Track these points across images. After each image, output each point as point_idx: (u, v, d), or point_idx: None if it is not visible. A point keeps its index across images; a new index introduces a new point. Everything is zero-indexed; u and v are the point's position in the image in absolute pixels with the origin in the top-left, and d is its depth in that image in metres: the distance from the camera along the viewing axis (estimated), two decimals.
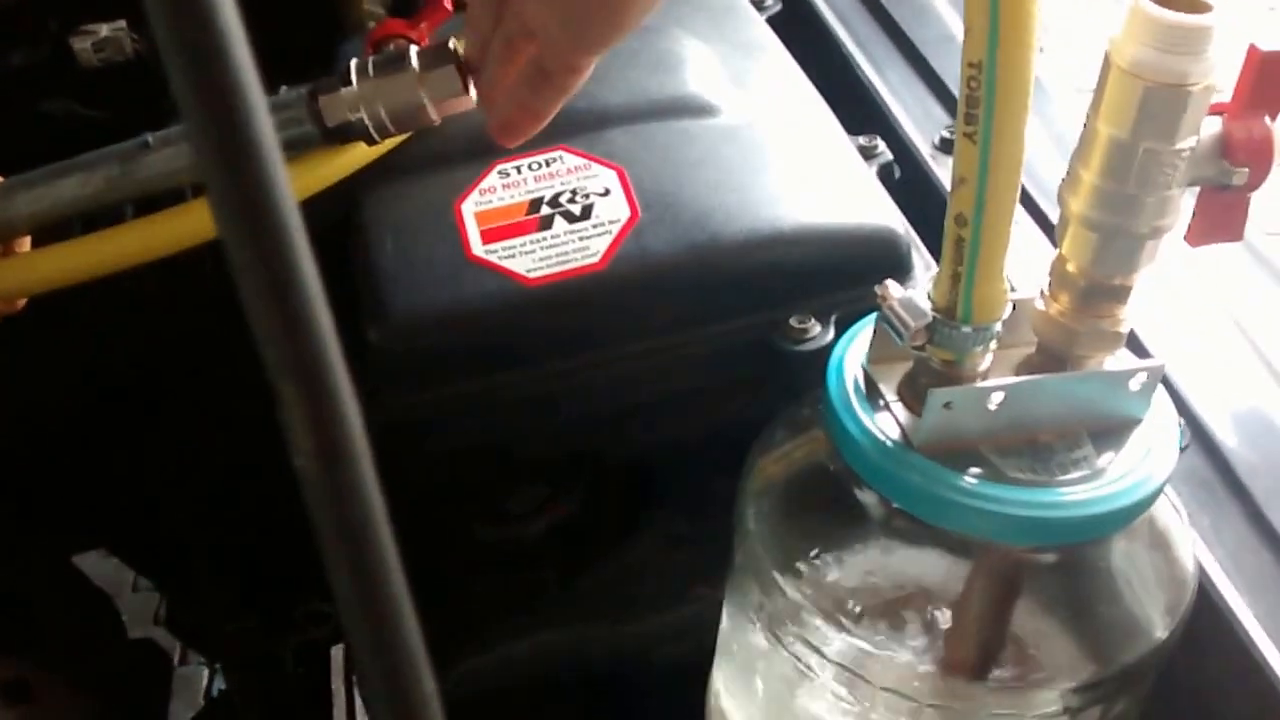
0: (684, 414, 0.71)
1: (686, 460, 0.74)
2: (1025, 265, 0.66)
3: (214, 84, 0.20)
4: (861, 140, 0.75)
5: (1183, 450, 0.61)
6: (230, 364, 0.75)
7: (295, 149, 0.65)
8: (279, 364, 0.23)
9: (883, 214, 0.67)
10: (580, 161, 0.69)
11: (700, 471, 0.73)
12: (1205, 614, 0.55)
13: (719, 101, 0.73)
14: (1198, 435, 0.61)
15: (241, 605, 0.87)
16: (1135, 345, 0.64)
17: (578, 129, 0.71)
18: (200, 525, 0.87)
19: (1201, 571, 0.56)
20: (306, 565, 0.81)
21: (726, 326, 0.67)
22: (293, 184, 0.66)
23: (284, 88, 0.67)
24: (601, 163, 0.69)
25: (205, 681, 1.61)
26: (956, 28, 0.86)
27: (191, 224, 0.66)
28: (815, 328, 0.65)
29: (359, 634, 0.25)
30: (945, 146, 0.78)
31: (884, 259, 0.65)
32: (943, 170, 0.76)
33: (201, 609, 0.91)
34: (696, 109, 0.72)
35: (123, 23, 0.84)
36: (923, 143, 0.80)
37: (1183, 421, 0.61)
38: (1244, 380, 0.65)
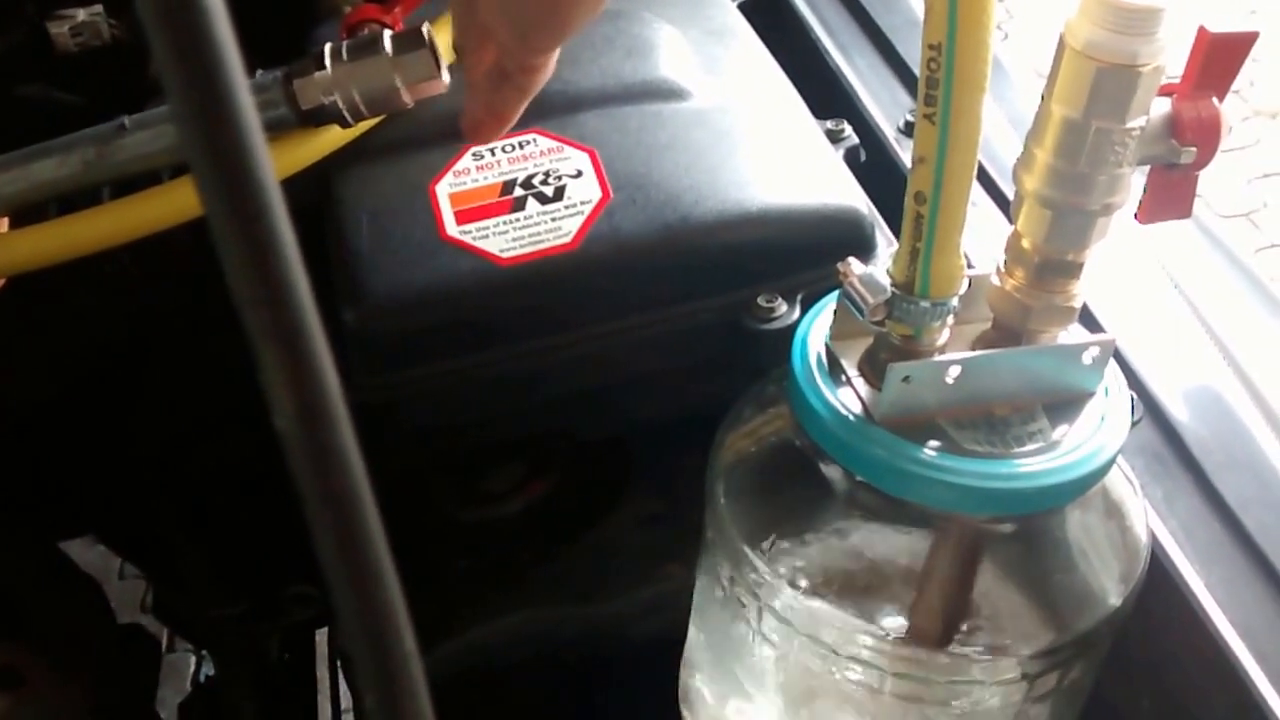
0: (656, 393, 0.72)
1: (660, 439, 0.75)
2: (984, 242, 0.68)
3: (197, 58, 0.21)
4: (829, 124, 0.77)
5: (1136, 424, 0.62)
6: (212, 346, 0.77)
7: (270, 131, 0.66)
8: (260, 328, 0.24)
9: (847, 195, 0.69)
10: (553, 144, 0.70)
11: (674, 450, 0.74)
12: (1157, 583, 0.57)
13: (690, 86, 0.74)
14: (1150, 409, 0.63)
15: (227, 590, 0.88)
16: (1089, 321, 0.66)
17: (551, 112, 0.72)
18: (185, 510, 0.88)
19: (1154, 541, 0.58)
20: (291, 548, 0.82)
21: (695, 305, 0.68)
22: None
23: (259, 71, 0.68)
24: (574, 145, 0.70)
25: (193, 668, 1.62)
26: (922, 14, 0.87)
27: (169, 205, 0.67)
28: (782, 306, 0.66)
29: (342, 594, 0.26)
30: (909, 130, 0.80)
31: (848, 239, 0.67)
32: (907, 154, 0.78)
33: (187, 594, 0.91)
34: (668, 93, 0.74)
35: (99, 7, 0.84)
36: (888, 127, 0.81)
37: (1136, 396, 0.63)
38: (1195, 356, 0.66)
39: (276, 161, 0.66)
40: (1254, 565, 0.57)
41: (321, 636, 1.05)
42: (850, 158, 0.77)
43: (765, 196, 0.68)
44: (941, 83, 0.42)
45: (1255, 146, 2.77)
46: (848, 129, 0.77)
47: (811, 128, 0.74)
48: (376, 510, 0.25)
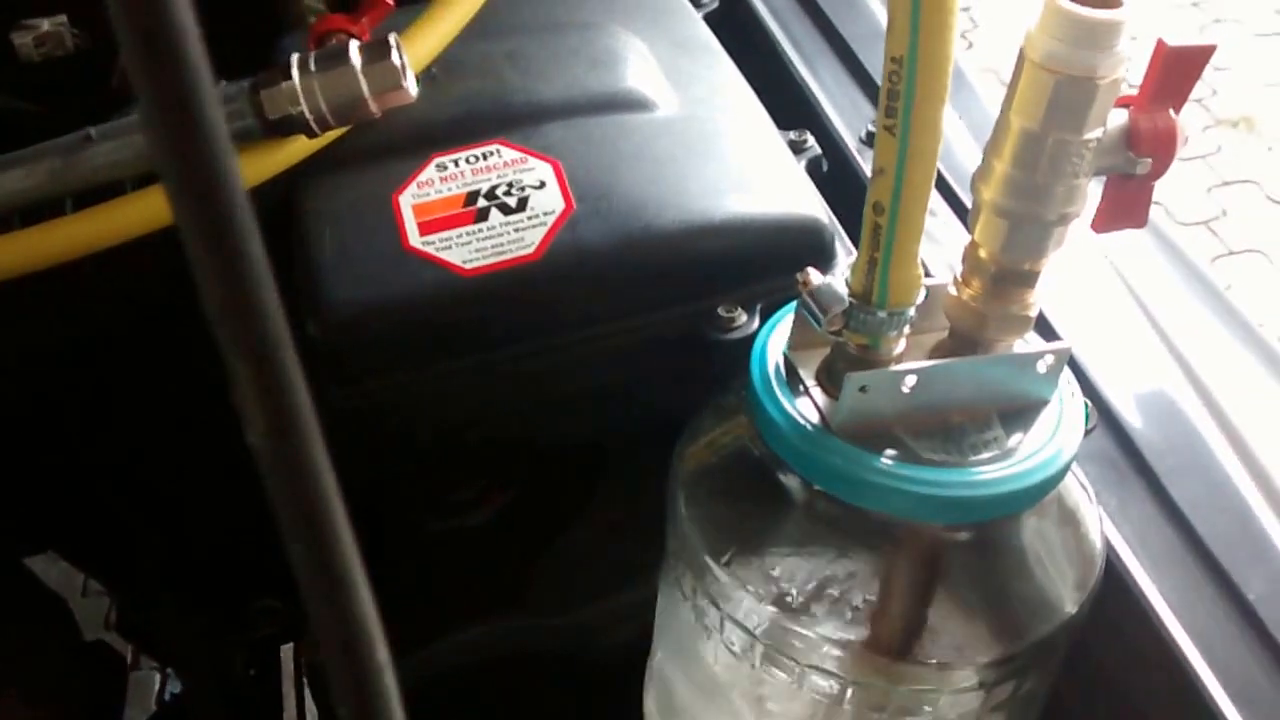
0: (620, 402, 0.73)
1: (625, 448, 0.76)
2: (944, 252, 0.69)
3: (168, 71, 0.22)
4: (792, 135, 0.78)
5: (1091, 432, 0.63)
6: (176, 361, 0.77)
7: (236, 141, 0.66)
8: (231, 342, 0.25)
9: (808, 205, 0.69)
10: (517, 155, 0.71)
11: (639, 459, 0.75)
12: (1113, 590, 0.58)
13: (655, 97, 0.75)
14: (1105, 417, 0.64)
15: (192, 604, 0.88)
16: (1046, 330, 0.67)
17: (516, 123, 0.72)
18: (149, 524, 0.87)
19: (1109, 548, 0.59)
20: (256, 561, 0.82)
21: (658, 316, 0.69)
22: None
23: (224, 82, 0.68)
24: (538, 156, 0.71)
25: (158, 686, 1.61)
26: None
27: (133, 216, 0.67)
28: (742, 317, 0.67)
29: (315, 607, 0.26)
30: (871, 141, 0.81)
31: (809, 249, 0.67)
32: (869, 164, 0.78)
33: (152, 610, 0.91)
34: (633, 104, 0.74)
35: (63, 17, 0.84)
36: (850, 137, 0.82)
37: (1091, 404, 0.64)
38: (1149, 364, 0.67)
39: (242, 172, 0.67)
40: (1206, 571, 0.58)
41: (288, 652, 1.05)
42: (813, 168, 0.77)
43: (727, 207, 0.69)
44: (902, 95, 0.43)
45: (1216, 155, 2.79)
46: (810, 139, 0.78)
47: (774, 138, 0.75)
48: (349, 523, 0.26)
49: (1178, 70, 0.44)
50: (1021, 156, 0.45)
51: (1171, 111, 0.45)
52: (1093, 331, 0.68)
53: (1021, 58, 0.44)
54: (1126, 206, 0.47)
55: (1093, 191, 0.49)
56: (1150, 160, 0.45)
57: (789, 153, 0.74)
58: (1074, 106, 0.43)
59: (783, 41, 0.87)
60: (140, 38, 0.21)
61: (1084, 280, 0.72)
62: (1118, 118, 0.46)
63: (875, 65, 0.85)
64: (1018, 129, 0.45)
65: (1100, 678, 0.62)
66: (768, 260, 0.68)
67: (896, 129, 0.44)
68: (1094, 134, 0.44)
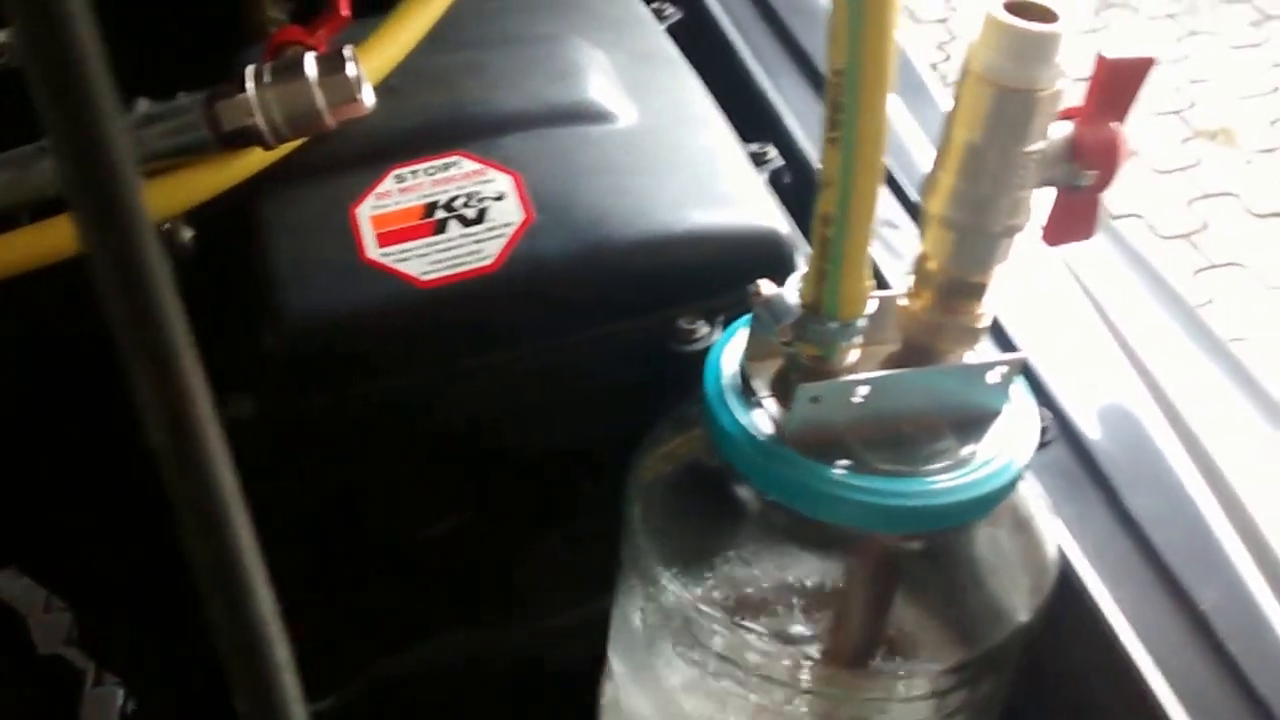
0: (580, 415, 0.73)
1: (585, 461, 0.75)
2: (906, 264, 0.69)
3: (71, 98, 0.22)
4: (754, 147, 0.78)
5: (1049, 444, 0.63)
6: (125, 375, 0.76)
7: (191, 153, 0.66)
8: (131, 349, 0.25)
9: (767, 217, 0.69)
10: (476, 166, 0.71)
11: (598, 472, 0.75)
12: (1068, 600, 0.58)
13: (615, 108, 0.75)
14: (1064, 430, 0.64)
15: (146, 618, 0.87)
16: (1004, 341, 0.67)
17: (476, 134, 0.72)
18: (104, 538, 0.87)
19: (1065, 559, 0.59)
20: None
21: (618, 327, 0.69)
22: (190, 188, 0.67)
23: (181, 93, 0.68)
24: (498, 168, 0.71)
25: (120, 702, 1.59)
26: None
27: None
28: (703, 328, 0.67)
29: (213, 606, 0.26)
30: None
31: (768, 260, 0.67)
32: None
33: (109, 624, 0.90)
34: (593, 115, 0.74)
35: None
36: (812, 149, 0.82)
37: (1049, 415, 0.64)
38: (1107, 375, 0.67)
39: (197, 184, 0.66)
40: (1161, 582, 0.58)
41: None
42: (775, 180, 0.77)
43: (686, 219, 0.69)
44: (845, 107, 0.43)
45: (1196, 167, 2.81)
46: (772, 151, 0.78)
47: (735, 150, 0.75)
48: (249, 524, 0.26)
49: (1118, 83, 0.44)
50: (966, 169, 0.45)
51: (1115, 124, 0.45)
52: (1052, 343, 0.68)
53: (964, 70, 0.44)
54: (1075, 218, 0.47)
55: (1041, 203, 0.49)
56: (1095, 172, 0.45)
57: (750, 165, 0.74)
58: (1015, 119, 0.44)
59: (745, 54, 0.87)
60: (40, 61, 0.21)
61: (1043, 291, 0.72)
62: (1062, 130, 0.46)
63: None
64: (961, 141, 0.45)
65: (1058, 689, 0.62)
66: (728, 272, 0.68)
67: (840, 141, 0.44)
68: (1036, 146, 0.44)
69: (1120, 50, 0.45)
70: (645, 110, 0.75)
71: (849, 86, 0.43)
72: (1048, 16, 0.43)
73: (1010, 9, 0.43)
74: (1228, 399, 0.85)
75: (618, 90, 0.76)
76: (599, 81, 0.76)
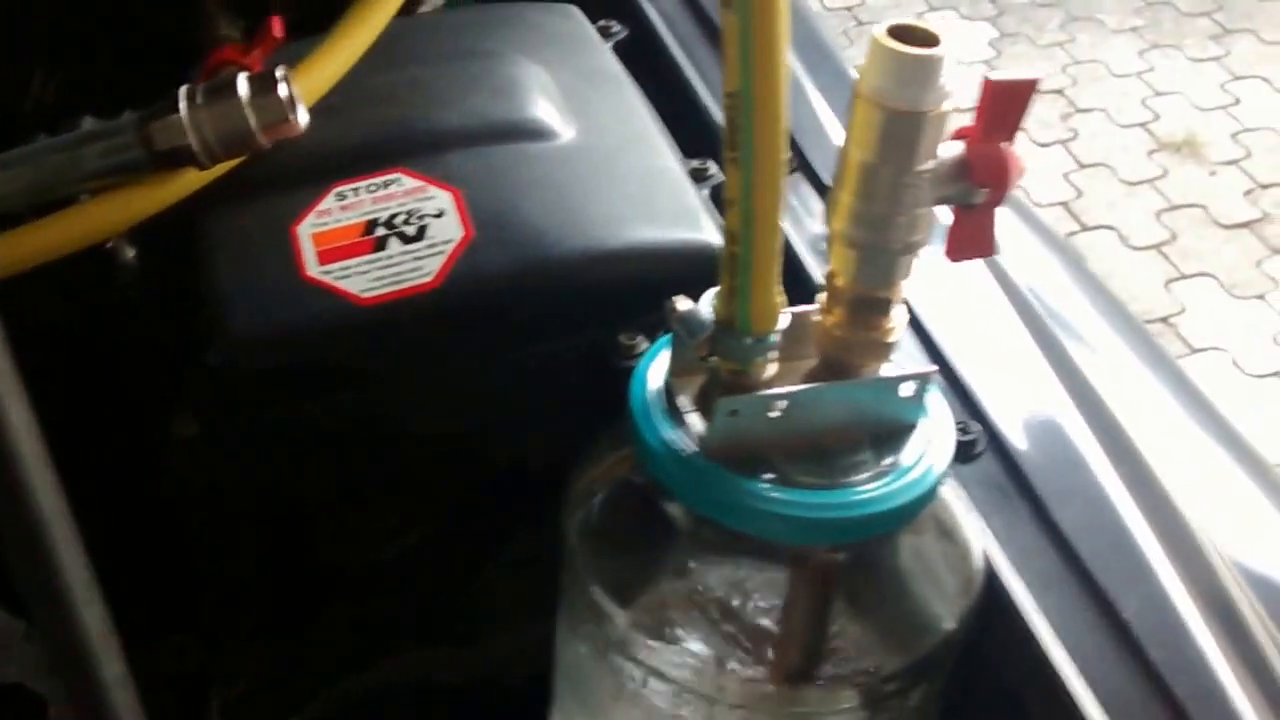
0: (523, 432, 0.73)
1: (532, 480, 0.76)
2: None
3: None
4: (695, 163, 0.78)
5: (979, 456, 0.64)
6: (86, 393, 0.76)
7: (128, 172, 0.67)
8: None
9: (707, 233, 0.70)
10: (417, 183, 0.71)
11: (546, 490, 0.75)
12: (996, 610, 0.59)
13: (556, 126, 0.75)
14: (993, 442, 0.64)
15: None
16: (935, 355, 0.68)
17: (417, 152, 0.73)
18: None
19: (993, 570, 0.59)
20: (168, 598, 0.82)
21: (558, 344, 0.70)
22: (125, 209, 0.67)
23: (127, 112, 0.69)
24: (438, 185, 0.71)
25: None
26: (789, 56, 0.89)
27: (39, 242, 0.67)
28: (643, 344, 0.68)
29: (40, 623, 0.27)
30: None
31: (704, 276, 0.68)
32: None
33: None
34: (534, 133, 0.75)
35: None
36: None
37: (979, 429, 0.65)
38: (1036, 390, 0.68)
39: (132, 204, 0.67)
40: (1085, 591, 0.59)
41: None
42: (716, 196, 0.78)
43: (625, 235, 0.70)
44: (741, 129, 0.44)
45: (1163, 179, 2.83)
46: (713, 168, 0.79)
47: (674, 167, 0.75)
48: (73, 540, 0.26)
49: (1004, 103, 0.45)
50: (863, 188, 0.46)
51: (1004, 143, 0.46)
52: (983, 358, 0.69)
53: (854, 93, 0.45)
54: (973, 234, 0.48)
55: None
56: (987, 190, 0.46)
57: (689, 181, 0.75)
58: (904, 139, 0.45)
59: (689, 71, 0.88)
60: None
61: (974, 305, 0.73)
62: (953, 150, 0.47)
63: None
64: (857, 162, 0.46)
65: (993, 701, 0.63)
66: (666, 288, 0.68)
67: (739, 160, 0.45)
68: (927, 165, 0.45)
69: (1005, 72, 0.46)
70: (586, 127, 0.76)
71: (744, 108, 0.44)
72: (930, 41, 0.44)
73: (894, 34, 0.44)
74: (1162, 402, 0.87)
75: (559, 107, 0.77)
76: (540, 99, 0.77)
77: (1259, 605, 0.69)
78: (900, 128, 0.44)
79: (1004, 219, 1.09)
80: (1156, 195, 2.80)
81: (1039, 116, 3.02)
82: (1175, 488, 0.70)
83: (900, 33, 0.44)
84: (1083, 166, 2.87)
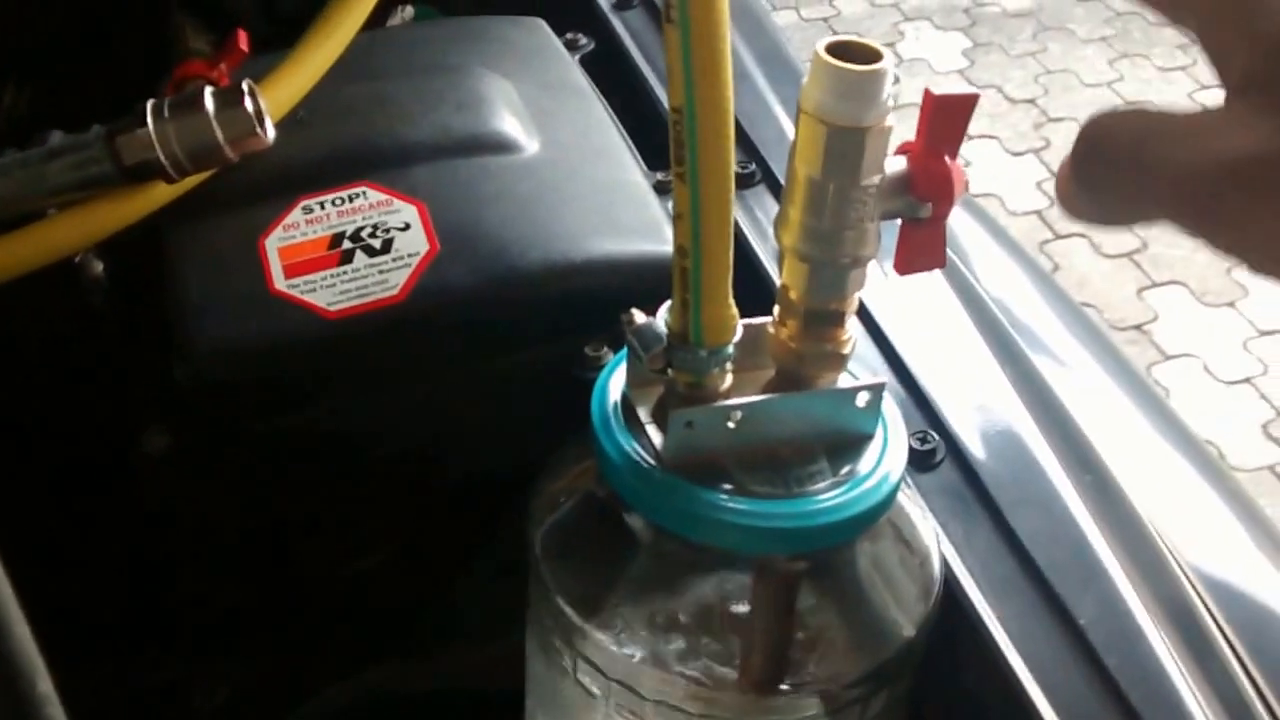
0: (491, 443, 0.74)
1: (503, 489, 0.76)
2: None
3: None
4: (659, 175, 0.79)
5: (939, 465, 0.65)
6: (56, 407, 0.77)
7: (97, 186, 0.67)
8: None
9: (668, 244, 0.70)
10: (383, 197, 0.72)
11: (517, 500, 0.76)
12: (956, 619, 0.59)
13: (520, 139, 0.76)
14: (952, 451, 0.65)
15: (76, 659, 0.87)
16: (898, 365, 0.69)
17: (383, 166, 0.73)
18: (30, 578, 0.87)
19: (953, 578, 0.60)
20: (145, 611, 0.82)
21: (524, 355, 0.70)
22: (94, 222, 0.68)
23: (95, 126, 0.69)
24: (403, 198, 0.72)
25: None
26: (752, 67, 0.90)
27: (15, 252, 0.67)
28: (609, 355, 0.68)
29: None
30: (738, 182, 0.82)
31: (666, 287, 0.69)
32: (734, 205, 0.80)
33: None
34: (498, 146, 0.75)
35: None
36: None
37: (938, 439, 0.66)
38: (996, 400, 0.69)
39: (101, 218, 0.67)
40: (1042, 598, 0.60)
41: None
42: None
43: (589, 247, 0.70)
44: (686, 143, 0.44)
45: None
46: None
47: (638, 179, 0.76)
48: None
49: (946, 118, 0.46)
50: (810, 204, 0.47)
51: (947, 157, 0.46)
52: (943, 368, 0.70)
53: (798, 110, 0.46)
54: (921, 247, 0.48)
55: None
56: (931, 204, 0.47)
57: (653, 193, 0.76)
58: (848, 155, 0.45)
59: (655, 84, 0.89)
60: None
61: (934, 315, 0.74)
62: (898, 165, 0.47)
63: (742, 109, 0.87)
64: (803, 177, 0.47)
65: (956, 703, 0.64)
66: (630, 299, 0.69)
67: (686, 175, 0.45)
68: (871, 180, 0.46)
69: (946, 87, 0.46)
70: (550, 141, 0.77)
71: (687, 123, 0.44)
72: (872, 56, 0.45)
73: (833, 50, 0.45)
74: (1124, 410, 0.88)
75: (523, 121, 0.78)
76: (505, 112, 0.77)
77: (1219, 611, 0.69)
78: (843, 143, 0.45)
79: (967, 228, 1.10)
80: None
81: (1012, 126, 3.05)
82: (1137, 495, 0.71)
83: (841, 49, 0.45)
84: (1055, 175, 2.88)
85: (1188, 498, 0.92)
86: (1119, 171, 0.39)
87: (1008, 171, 2.93)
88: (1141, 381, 1.02)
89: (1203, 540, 0.83)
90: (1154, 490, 0.79)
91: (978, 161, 2.95)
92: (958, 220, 1.15)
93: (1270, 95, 0.35)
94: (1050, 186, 2.83)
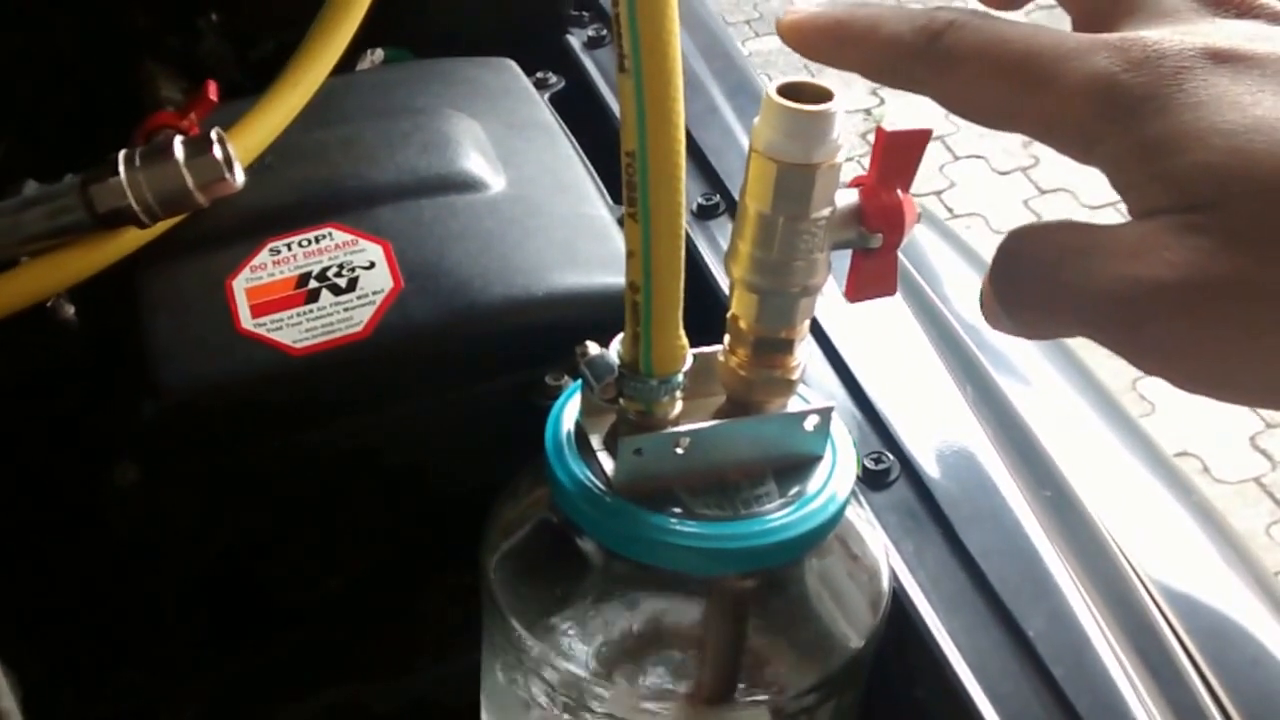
0: (457, 470, 0.76)
1: (466, 515, 0.78)
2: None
3: None
4: (625, 209, 0.81)
5: (893, 483, 0.67)
6: (30, 444, 0.78)
7: (71, 234, 0.69)
8: None
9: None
10: (348, 238, 0.74)
11: (478, 525, 0.77)
12: (907, 633, 0.61)
13: (485, 177, 0.78)
14: (906, 470, 0.67)
15: (52, 677, 0.89)
16: (852, 387, 0.70)
17: (348, 207, 0.76)
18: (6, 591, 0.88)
19: (904, 592, 0.62)
20: (118, 632, 0.84)
21: (486, 387, 0.72)
22: (67, 268, 0.70)
23: (68, 175, 0.71)
24: (369, 238, 0.74)
25: None
26: (720, 100, 0.92)
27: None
28: (569, 384, 0.70)
29: None
30: (702, 213, 0.84)
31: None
32: (697, 236, 0.82)
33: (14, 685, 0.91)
34: (463, 185, 0.77)
35: None
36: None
37: (892, 458, 0.67)
38: (950, 419, 0.71)
39: (76, 263, 0.69)
40: (992, 612, 0.61)
41: None
42: None
43: (550, 281, 0.72)
44: (638, 185, 0.46)
45: (1121, 202, 2.86)
46: None
47: (602, 214, 0.78)
48: None
49: (899, 153, 0.47)
50: (759, 237, 0.49)
51: (899, 191, 0.48)
52: (897, 388, 0.71)
53: (750, 148, 0.48)
54: (873, 277, 0.50)
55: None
56: (881, 235, 0.49)
57: (616, 226, 0.77)
58: (797, 191, 0.47)
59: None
60: None
61: (892, 337, 0.75)
62: (849, 197, 0.49)
63: (710, 142, 0.90)
64: (753, 213, 0.48)
65: (906, 715, 0.65)
66: (591, 331, 0.70)
67: (638, 215, 0.47)
68: (821, 213, 0.47)
69: (900, 123, 0.48)
70: (515, 178, 0.79)
71: (639, 167, 0.46)
72: (822, 96, 0.46)
73: (784, 91, 0.46)
74: (1091, 427, 0.89)
75: (489, 159, 0.80)
76: (470, 152, 0.79)
77: (1178, 621, 0.71)
78: (793, 181, 0.46)
79: (934, 247, 1.12)
80: (1119, 218, 2.83)
81: (1001, 144, 3.07)
82: (1099, 509, 0.73)
83: (791, 90, 0.46)
84: (1043, 192, 2.91)
85: (1151, 511, 0.93)
86: (1038, 289, 0.40)
87: (996, 190, 2.95)
88: (1109, 397, 1.04)
89: (1165, 552, 0.85)
90: (1117, 504, 0.81)
91: (964, 181, 2.98)
92: (928, 242, 1.18)
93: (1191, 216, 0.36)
94: (1038, 205, 2.86)
